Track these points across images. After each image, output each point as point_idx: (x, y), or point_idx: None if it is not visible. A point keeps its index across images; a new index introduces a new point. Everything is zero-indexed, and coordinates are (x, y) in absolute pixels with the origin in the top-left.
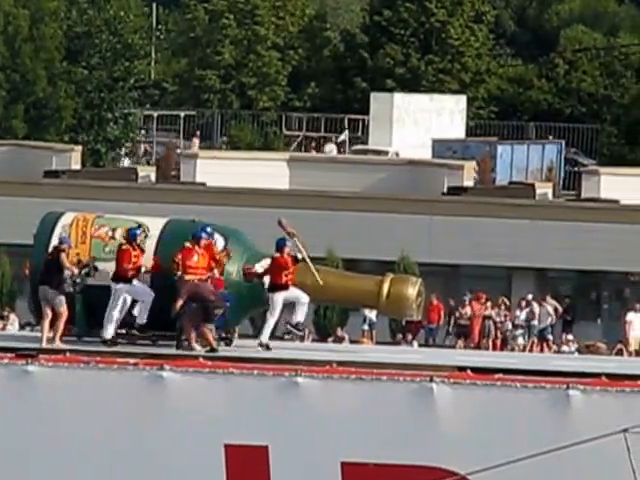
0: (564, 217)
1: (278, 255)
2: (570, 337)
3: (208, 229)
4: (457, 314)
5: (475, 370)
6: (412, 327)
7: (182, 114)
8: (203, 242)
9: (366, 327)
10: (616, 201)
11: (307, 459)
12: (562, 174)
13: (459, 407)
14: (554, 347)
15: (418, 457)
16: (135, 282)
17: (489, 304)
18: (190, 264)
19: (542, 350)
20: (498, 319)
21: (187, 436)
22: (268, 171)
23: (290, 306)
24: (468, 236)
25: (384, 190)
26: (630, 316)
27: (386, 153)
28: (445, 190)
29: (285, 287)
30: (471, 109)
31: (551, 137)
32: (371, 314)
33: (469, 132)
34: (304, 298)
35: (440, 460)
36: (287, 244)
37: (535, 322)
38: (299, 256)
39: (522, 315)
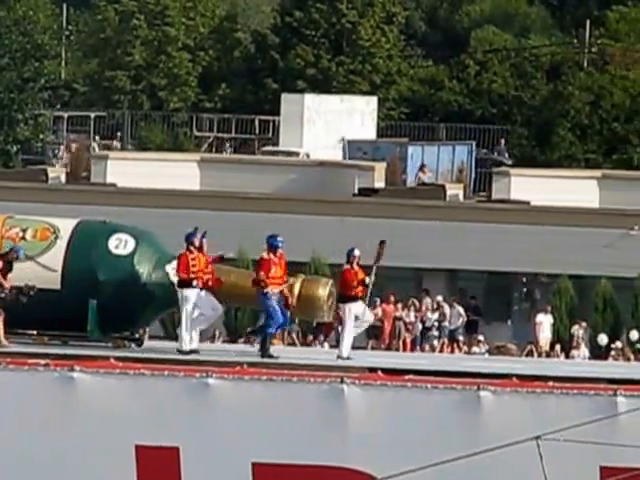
0: (474, 218)
1: (348, 267)
2: (480, 338)
3: (279, 237)
4: None
5: (386, 371)
6: (323, 328)
7: (92, 115)
8: (280, 252)
9: None
10: (527, 202)
11: (218, 460)
12: (473, 175)
13: (370, 408)
14: (464, 348)
15: (329, 458)
16: (198, 291)
17: (399, 305)
18: (271, 275)
19: (453, 351)
20: (408, 320)
21: (98, 437)
22: (179, 172)
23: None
24: (379, 237)
25: (295, 191)
26: (540, 317)
27: (297, 154)
28: (356, 191)
29: (355, 299)
30: (382, 110)
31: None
32: None
33: (380, 133)
34: (368, 316)
35: (351, 461)
36: (355, 253)
37: (446, 323)
38: (367, 280)
39: (434, 316)
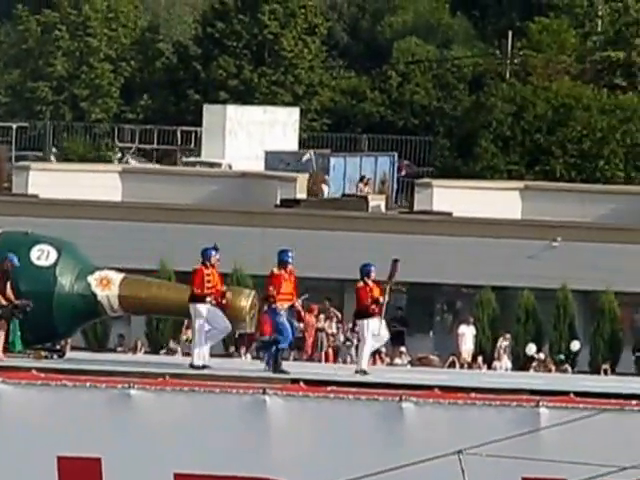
0: (397, 229)
1: (362, 284)
2: (403, 349)
3: (290, 253)
4: None
5: (308, 382)
6: (245, 339)
7: (14, 126)
8: (290, 267)
9: None
10: (449, 213)
11: (140, 471)
12: (395, 186)
13: (292, 419)
14: (387, 360)
15: (252, 469)
16: (208, 306)
17: (322, 316)
18: (281, 291)
19: (375, 363)
20: (330, 331)
21: (20, 448)
22: (101, 183)
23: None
24: (301, 249)
25: (217, 202)
26: (462, 329)
27: (219, 165)
28: (278, 202)
29: (372, 314)
30: (304, 121)
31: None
32: None
33: (302, 144)
34: (384, 334)
35: (274, 472)
36: (372, 269)
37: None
38: (380, 299)
39: (356, 327)
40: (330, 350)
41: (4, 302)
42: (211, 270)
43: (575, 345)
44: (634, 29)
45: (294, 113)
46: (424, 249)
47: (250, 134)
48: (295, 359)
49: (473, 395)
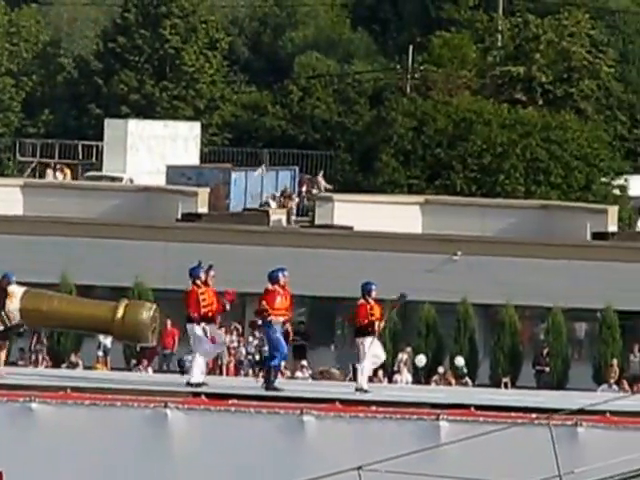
0: (298, 243)
1: (363, 301)
2: (304, 363)
3: (284, 271)
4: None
5: (209, 396)
6: (147, 353)
7: None
8: (283, 281)
9: (100, 353)
10: (350, 227)
11: None
12: (297, 200)
13: (194, 432)
14: (287, 373)
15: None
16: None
17: (222, 330)
18: (275, 306)
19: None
20: (232, 345)
21: None
22: (2, 197)
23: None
24: (203, 261)
25: (119, 216)
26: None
27: (120, 179)
28: (179, 216)
29: (372, 332)
30: (205, 135)
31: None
32: (106, 340)
33: (203, 159)
34: (381, 354)
35: None
36: (373, 287)
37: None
38: (376, 324)
39: (255, 341)
40: (232, 363)
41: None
42: (205, 289)
43: (460, 361)
44: (534, 44)
45: (195, 127)
46: (325, 263)
47: (151, 148)
48: None
49: (374, 408)
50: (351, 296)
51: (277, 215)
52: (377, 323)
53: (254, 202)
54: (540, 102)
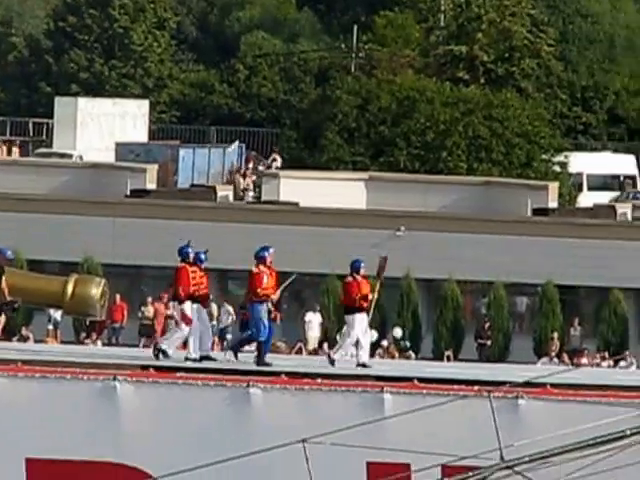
0: (244, 219)
1: (351, 278)
2: None
3: (270, 249)
4: (140, 314)
5: (158, 369)
6: (96, 326)
7: None
8: (268, 260)
9: (51, 326)
10: (295, 203)
11: None
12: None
13: (142, 405)
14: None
15: (103, 454)
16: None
17: (171, 304)
18: (263, 286)
19: (222, 349)
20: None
21: None
22: None
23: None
24: (151, 238)
25: (68, 192)
26: (309, 316)
27: (70, 156)
28: (128, 193)
29: (361, 309)
30: (154, 113)
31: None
32: (56, 314)
33: (152, 136)
34: (373, 335)
35: (126, 458)
36: (362, 265)
37: (214, 322)
38: (370, 296)
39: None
40: None
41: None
42: (195, 267)
43: (397, 332)
44: (476, 24)
45: (144, 105)
46: (271, 239)
47: (101, 126)
48: (145, 346)
49: (319, 381)
50: (298, 270)
51: (224, 191)
52: (367, 299)
53: (202, 178)
54: (482, 81)
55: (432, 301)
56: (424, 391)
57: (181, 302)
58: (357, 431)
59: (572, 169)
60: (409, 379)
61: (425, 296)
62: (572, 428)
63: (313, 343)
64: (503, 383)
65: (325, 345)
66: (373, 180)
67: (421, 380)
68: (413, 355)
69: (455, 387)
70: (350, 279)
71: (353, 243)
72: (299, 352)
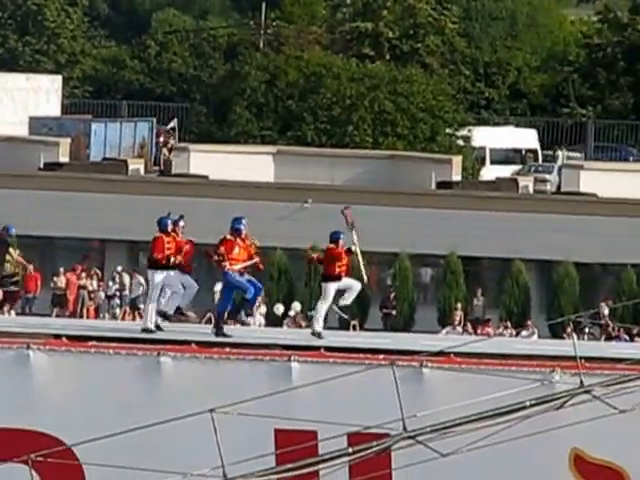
0: (156, 192)
1: (333, 246)
2: None
3: (243, 220)
4: (52, 284)
5: (70, 338)
6: (10, 296)
7: None
8: (244, 233)
9: None
10: (206, 177)
11: None
12: (154, 150)
13: (55, 373)
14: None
15: (17, 422)
16: (170, 272)
17: (83, 274)
18: (232, 256)
19: (134, 319)
20: (91, 288)
21: None
22: None
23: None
24: (64, 210)
25: None
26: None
27: None
28: (42, 166)
29: (338, 278)
30: (67, 88)
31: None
32: None
33: (65, 110)
34: (357, 285)
35: (39, 425)
36: (341, 236)
37: (126, 292)
38: (352, 248)
39: (115, 286)
40: (92, 307)
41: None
42: (170, 238)
43: (296, 306)
44: (381, 1)
45: (57, 80)
46: (182, 211)
47: (14, 100)
48: (57, 315)
49: (228, 350)
50: (208, 242)
51: (135, 165)
52: (343, 269)
53: (113, 152)
54: (387, 57)
55: None
56: (331, 360)
57: (154, 270)
58: (265, 399)
59: (475, 143)
60: (316, 348)
61: None
62: (475, 397)
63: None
64: (409, 352)
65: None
66: (281, 154)
67: (328, 349)
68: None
69: (361, 356)
70: (332, 246)
71: (261, 215)
72: (209, 322)
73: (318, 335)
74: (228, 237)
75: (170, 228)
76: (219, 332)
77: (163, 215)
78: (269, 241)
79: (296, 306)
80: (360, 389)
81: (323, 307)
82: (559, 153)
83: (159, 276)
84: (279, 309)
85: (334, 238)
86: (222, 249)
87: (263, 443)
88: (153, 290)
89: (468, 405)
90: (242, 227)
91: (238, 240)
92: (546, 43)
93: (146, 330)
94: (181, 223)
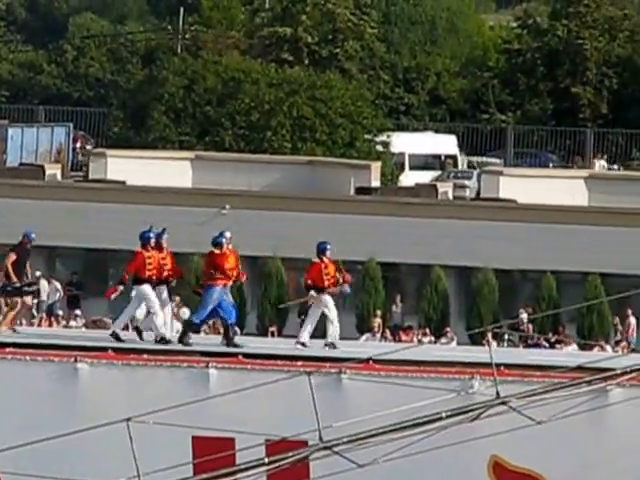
0: (73, 197)
1: (317, 260)
2: (78, 312)
3: (226, 234)
4: None
5: None
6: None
7: None
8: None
9: None
10: (122, 182)
11: None
12: (71, 156)
13: None
14: (63, 322)
15: None
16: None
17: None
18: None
19: (51, 325)
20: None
21: None
22: None
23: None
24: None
25: None
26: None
27: None
28: None
29: (322, 290)
30: None
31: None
32: None
33: None
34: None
35: None
36: (328, 247)
37: (44, 298)
38: (336, 276)
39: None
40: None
41: (16, 280)
42: (152, 252)
43: (185, 313)
44: (300, 6)
45: None
46: (98, 216)
47: None
48: None
49: (145, 356)
50: (124, 248)
51: (52, 170)
52: (331, 281)
53: (30, 157)
54: (306, 62)
55: (256, 278)
56: (249, 366)
57: (137, 284)
58: (183, 406)
59: (394, 149)
60: (234, 355)
61: (250, 273)
62: (395, 404)
63: (141, 319)
64: (326, 359)
65: None
66: (199, 159)
67: (246, 356)
68: (238, 331)
69: (279, 363)
70: (316, 261)
71: (179, 221)
72: (125, 328)
73: (302, 345)
74: (216, 251)
75: (153, 242)
76: (230, 343)
77: (145, 229)
78: (187, 247)
79: (185, 312)
80: (278, 396)
81: (310, 320)
82: (463, 158)
83: (146, 288)
84: (185, 313)
85: (321, 249)
86: (209, 270)
87: (181, 450)
88: (149, 304)
89: (388, 414)
90: (223, 240)
91: (226, 252)
92: (465, 48)
93: (162, 339)
94: (165, 236)
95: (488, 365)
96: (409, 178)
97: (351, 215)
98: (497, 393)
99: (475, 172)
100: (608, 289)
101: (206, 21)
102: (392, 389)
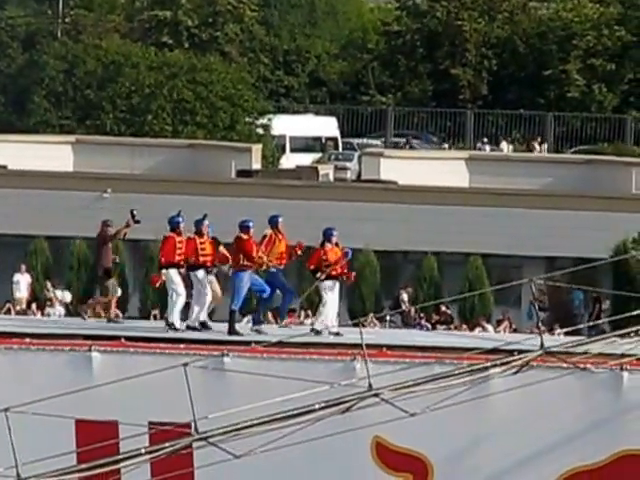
0: None
1: (320, 247)
2: None
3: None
4: None
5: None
6: None
7: None
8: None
9: None
10: (4, 166)
11: None
12: None
13: None
14: None
15: None
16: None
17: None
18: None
19: None
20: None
21: None
22: None
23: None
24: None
25: None
26: (17, 277)
27: None
28: None
29: (333, 276)
30: None
31: None
32: None
33: None
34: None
35: None
36: (334, 233)
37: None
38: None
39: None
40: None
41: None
42: (182, 238)
43: (66, 295)
44: None
45: None
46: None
47: None
48: None
49: (28, 340)
50: (6, 232)
51: None
52: (330, 267)
53: None
54: (186, 45)
55: (139, 261)
56: (132, 349)
57: (169, 269)
58: (66, 389)
59: (275, 131)
60: (117, 337)
61: (132, 256)
62: (278, 387)
63: (22, 304)
64: (207, 342)
65: (34, 305)
66: (80, 143)
67: (128, 339)
68: (120, 314)
69: (161, 346)
70: (318, 247)
71: (61, 205)
72: (7, 312)
73: (317, 332)
74: (244, 237)
75: (182, 227)
76: (232, 330)
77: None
78: (68, 231)
79: (66, 295)
80: (161, 380)
81: (324, 307)
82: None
83: (173, 273)
84: (65, 297)
85: (327, 235)
86: (239, 254)
87: (65, 434)
88: (174, 288)
89: (268, 396)
90: (250, 224)
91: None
92: (345, 31)
93: (171, 325)
94: (205, 222)
95: (373, 347)
96: (290, 160)
97: (232, 198)
98: (370, 385)
99: (356, 154)
100: (489, 269)
101: (86, 5)
102: (275, 371)
